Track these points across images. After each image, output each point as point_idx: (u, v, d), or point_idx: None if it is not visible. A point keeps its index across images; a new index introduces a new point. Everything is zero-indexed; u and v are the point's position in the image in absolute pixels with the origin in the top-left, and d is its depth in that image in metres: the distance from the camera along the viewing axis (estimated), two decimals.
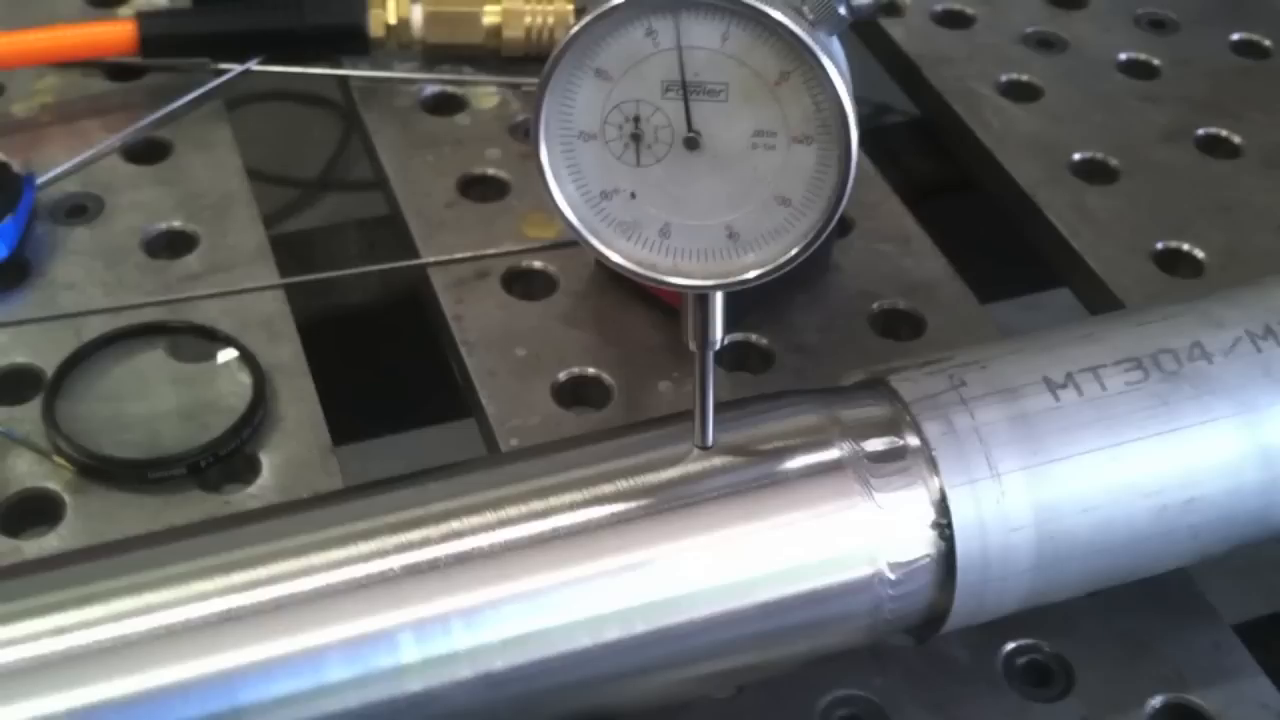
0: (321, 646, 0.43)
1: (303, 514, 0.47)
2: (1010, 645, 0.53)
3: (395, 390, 0.76)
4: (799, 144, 0.43)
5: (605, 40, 0.43)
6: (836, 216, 0.43)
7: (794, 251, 0.44)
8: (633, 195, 0.45)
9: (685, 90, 0.43)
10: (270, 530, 0.46)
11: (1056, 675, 0.53)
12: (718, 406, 0.47)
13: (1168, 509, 0.49)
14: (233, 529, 0.46)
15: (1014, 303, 0.83)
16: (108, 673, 0.42)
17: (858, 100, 0.43)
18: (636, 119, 0.44)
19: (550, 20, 0.77)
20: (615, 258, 0.45)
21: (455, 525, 0.45)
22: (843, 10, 0.42)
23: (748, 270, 0.45)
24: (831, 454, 0.47)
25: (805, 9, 0.42)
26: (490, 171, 0.72)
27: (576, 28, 0.43)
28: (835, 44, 0.44)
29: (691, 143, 0.44)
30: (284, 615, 0.43)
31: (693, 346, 0.47)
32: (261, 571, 0.44)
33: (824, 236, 0.44)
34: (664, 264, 0.45)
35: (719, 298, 0.46)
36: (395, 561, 0.44)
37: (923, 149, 0.82)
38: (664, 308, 0.64)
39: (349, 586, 0.43)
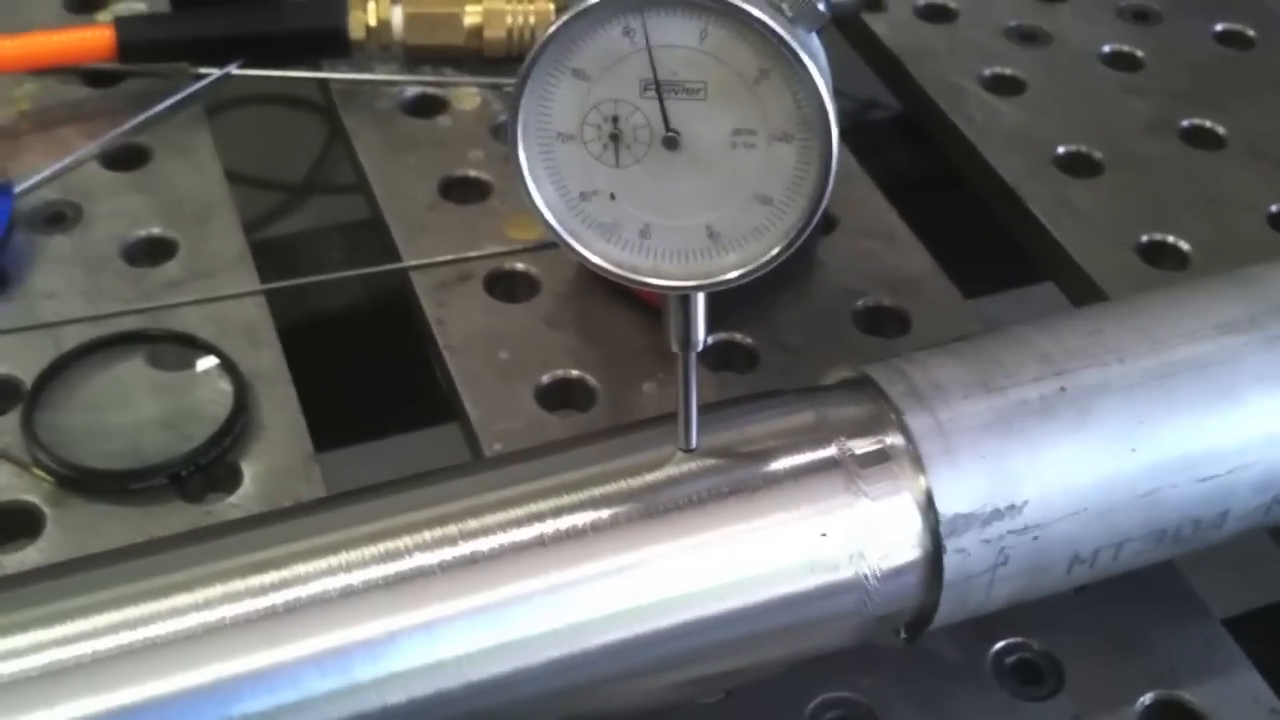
0: (307, 658, 0.43)
1: (283, 524, 0.46)
2: (999, 644, 0.53)
3: (379, 395, 0.76)
4: (779, 142, 0.42)
5: (582, 40, 0.42)
6: (818, 215, 0.43)
7: (775, 251, 0.44)
8: (612, 196, 0.44)
9: (659, 89, 0.42)
10: (252, 541, 0.45)
11: (1046, 673, 0.53)
12: (701, 408, 0.47)
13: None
14: (211, 541, 0.46)
15: (1002, 297, 0.82)
16: (88, 689, 0.41)
17: (841, 94, 0.42)
18: (615, 119, 0.43)
19: (532, 20, 0.77)
20: (595, 260, 0.45)
21: (436, 533, 0.44)
22: (822, 7, 0.42)
23: (729, 270, 0.44)
24: (816, 454, 0.47)
25: (784, 6, 0.42)
26: (472, 173, 0.72)
27: (553, 27, 0.42)
28: (815, 41, 0.43)
29: (671, 142, 0.43)
30: (266, 628, 0.43)
31: (675, 348, 0.46)
32: (241, 584, 0.43)
33: (805, 235, 0.43)
34: (644, 265, 0.45)
35: (700, 299, 0.45)
36: (378, 571, 0.44)
37: (907, 144, 0.82)
38: (648, 308, 0.63)
39: (331, 596, 0.43)
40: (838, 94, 0.42)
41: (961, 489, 0.47)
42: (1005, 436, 0.48)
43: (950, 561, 0.47)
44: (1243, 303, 0.51)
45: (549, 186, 0.44)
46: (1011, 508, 0.47)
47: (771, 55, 0.41)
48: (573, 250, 0.45)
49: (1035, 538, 0.48)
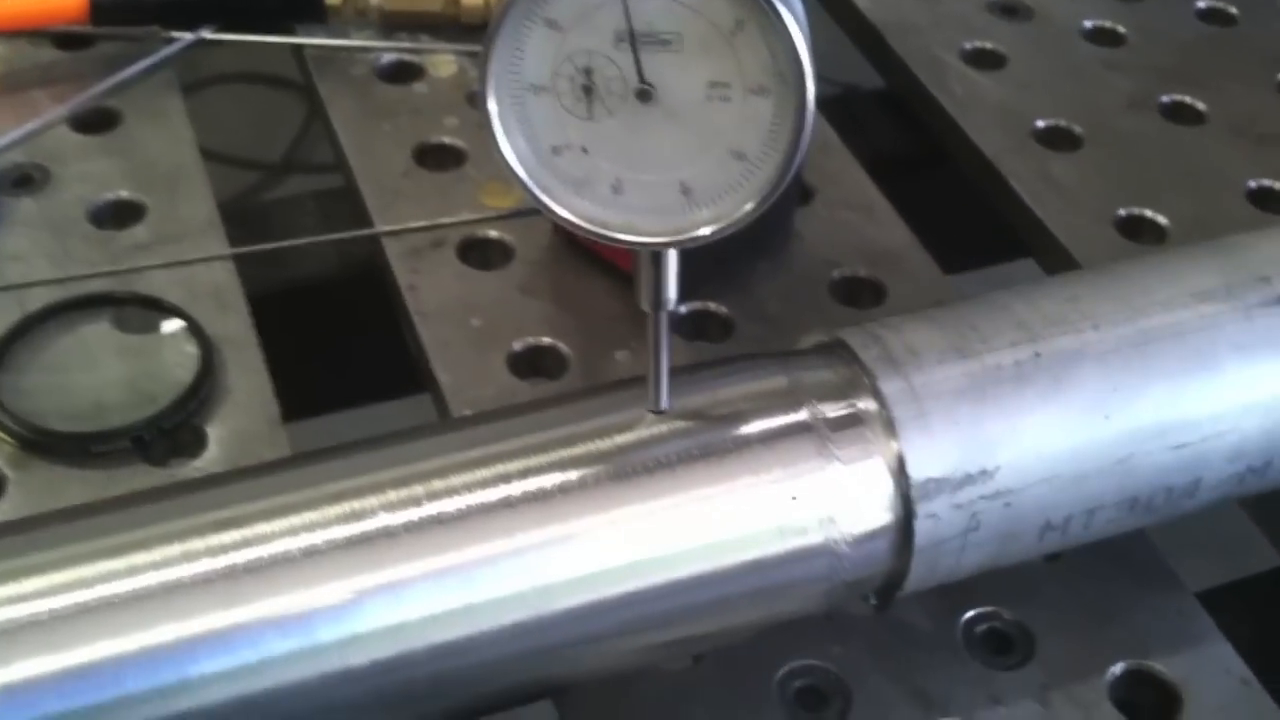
0: (268, 618, 0.42)
1: (245, 483, 0.45)
2: (970, 613, 0.53)
3: (350, 364, 0.75)
4: (754, 95, 0.42)
5: None
6: (792, 171, 0.42)
7: (749, 207, 0.43)
8: (584, 150, 0.43)
9: (634, 40, 0.41)
10: (212, 500, 0.45)
11: (1017, 643, 0.52)
12: (673, 371, 0.46)
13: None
14: (171, 500, 0.45)
15: (982, 273, 0.82)
16: (44, 646, 0.41)
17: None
18: (589, 70, 0.42)
19: None
20: (566, 215, 0.44)
21: (402, 494, 0.44)
22: None
23: (702, 227, 0.43)
24: (788, 418, 0.46)
25: None
26: (448, 140, 0.71)
27: None
28: None
29: (645, 95, 0.42)
30: (226, 587, 0.42)
31: (646, 307, 0.46)
32: (201, 543, 0.43)
33: (779, 192, 0.42)
34: (616, 221, 0.44)
35: (673, 256, 0.45)
36: (341, 531, 0.43)
37: (889, 119, 0.81)
38: (622, 276, 0.63)
39: (292, 557, 0.42)
40: (812, 50, 0.41)
41: (933, 454, 0.46)
42: (979, 402, 0.47)
43: (921, 526, 0.46)
44: (1220, 272, 0.51)
45: (520, 139, 0.43)
46: (984, 473, 0.47)
47: (748, 6, 0.41)
48: (544, 205, 0.44)
49: (1007, 504, 0.47)
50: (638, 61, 0.42)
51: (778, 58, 0.41)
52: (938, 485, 0.46)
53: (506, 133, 0.43)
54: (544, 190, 0.44)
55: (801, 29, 0.41)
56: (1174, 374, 0.49)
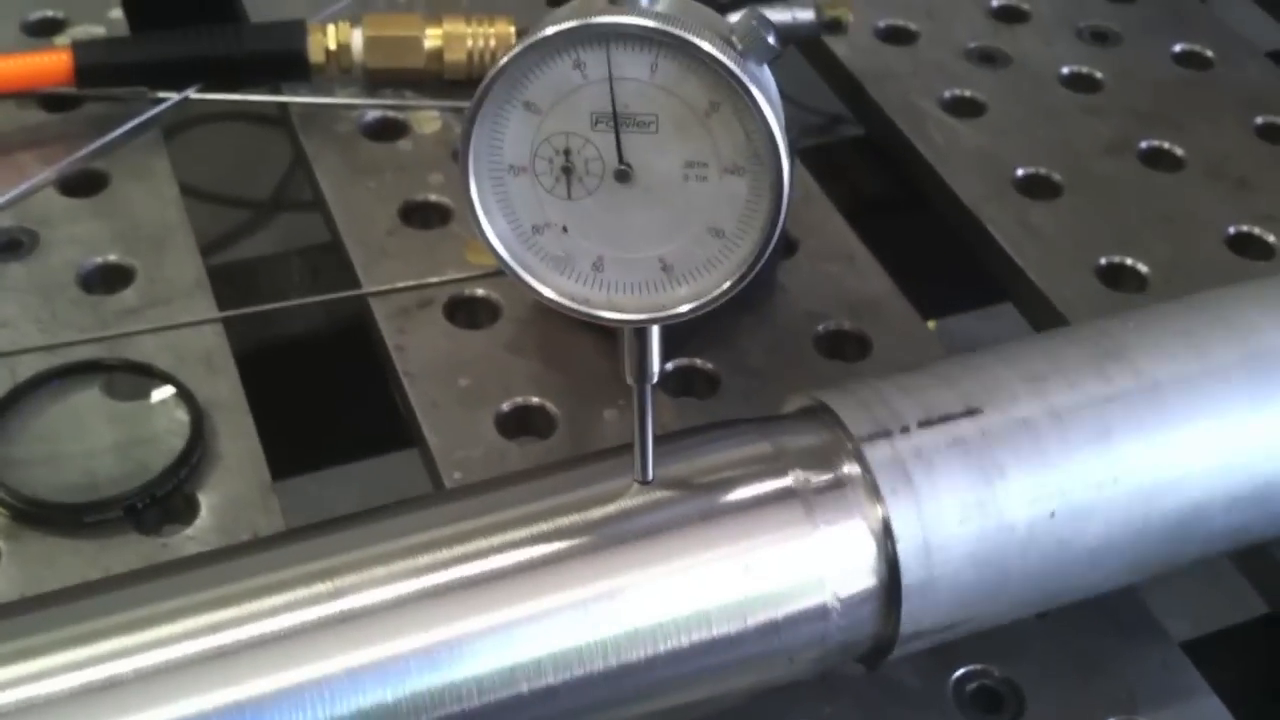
0: (261, 696, 0.42)
1: (232, 562, 0.46)
2: (960, 670, 0.53)
3: (339, 421, 0.75)
4: (731, 175, 0.42)
5: (533, 72, 0.42)
6: (770, 248, 0.43)
7: (728, 284, 0.43)
8: (565, 229, 0.44)
9: (616, 121, 0.42)
10: (205, 578, 0.45)
11: (1007, 700, 0.53)
12: (658, 439, 0.47)
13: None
14: (165, 578, 0.45)
15: (966, 316, 0.83)
16: None
17: (809, 111, 0.42)
18: (567, 152, 0.43)
19: (493, 43, 0.77)
20: (548, 293, 0.45)
21: (390, 569, 0.44)
22: (772, 40, 0.42)
23: (682, 303, 0.44)
24: (772, 484, 0.47)
25: (734, 39, 0.42)
26: (433, 198, 0.72)
27: (504, 60, 0.42)
28: (766, 73, 0.43)
29: (623, 175, 0.43)
30: (222, 665, 0.42)
31: (630, 381, 0.46)
32: (199, 620, 0.43)
33: (758, 268, 0.43)
34: (598, 298, 0.45)
35: (655, 331, 0.45)
36: (334, 607, 0.43)
37: (869, 164, 0.82)
38: (608, 334, 0.63)
39: (281, 635, 0.43)
40: (805, 109, 0.42)
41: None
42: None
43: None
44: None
45: (501, 219, 0.44)
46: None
47: (722, 89, 0.41)
48: (526, 284, 0.44)
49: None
50: (619, 143, 0.42)
51: (752, 138, 0.42)
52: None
53: (487, 213, 0.44)
54: (526, 269, 0.44)
55: (775, 111, 0.41)
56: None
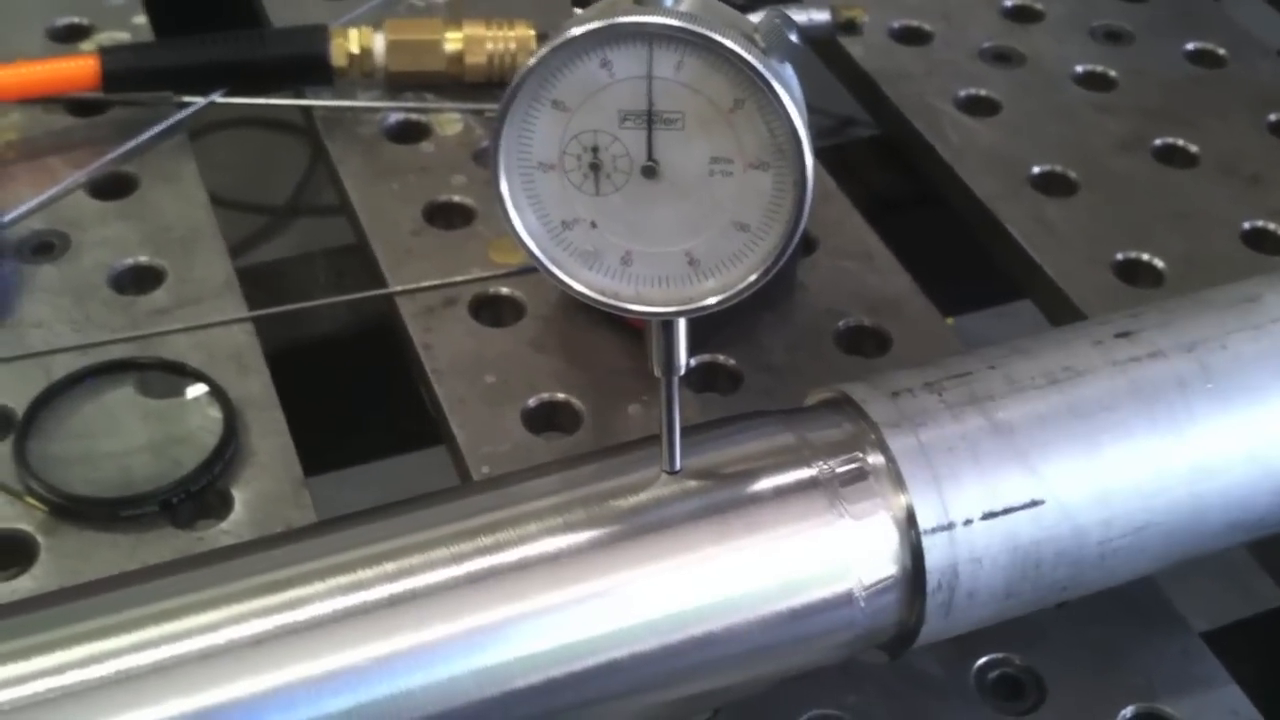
0: (295, 682, 0.43)
1: (268, 552, 0.47)
2: (982, 659, 0.54)
3: (367, 418, 0.76)
4: (755, 170, 0.43)
5: (561, 72, 0.43)
6: (794, 241, 0.44)
7: (754, 277, 0.44)
8: (593, 224, 0.45)
9: (650, 118, 0.43)
10: (240, 568, 0.46)
11: (1028, 688, 0.53)
12: (684, 430, 0.48)
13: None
14: (203, 568, 0.46)
15: (984, 313, 0.83)
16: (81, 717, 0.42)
17: (820, 113, 0.43)
18: (595, 149, 0.44)
19: (513, 46, 0.78)
20: (578, 287, 0.46)
21: (424, 558, 0.45)
22: (794, 37, 0.43)
23: (709, 296, 0.45)
24: (798, 474, 0.48)
25: (757, 37, 0.43)
26: (456, 198, 0.73)
27: (533, 61, 0.43)
28: (788, 70, 0.44)
29: (650, 171, 0.44)
30: (258, 653, 0.43)
31: (658, 373, 0.47)
32: (233, 610, 0.44)
33: (783, 261, 0.44)
34: (626, 292, 0.46)
35: (682, 324, 0.46)
36: (369, 595, 0.44)
37: (885, 163, 0.83)
38: (631, 331, 0.64)
39: (316, 623, 0.44)
40: (817, 112, 0.43)
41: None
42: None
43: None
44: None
45: (531, 216, 0.45)
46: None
47: (746, 85, 0.42)
48: (556, 278, 0.45)
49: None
50: (650, 139, 0.43)
51: (776, 134, 0.43)
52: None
53: (517, 209, 0.45)
54: (556, 264, 0.45)
55: (798, 106, 0.42)
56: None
